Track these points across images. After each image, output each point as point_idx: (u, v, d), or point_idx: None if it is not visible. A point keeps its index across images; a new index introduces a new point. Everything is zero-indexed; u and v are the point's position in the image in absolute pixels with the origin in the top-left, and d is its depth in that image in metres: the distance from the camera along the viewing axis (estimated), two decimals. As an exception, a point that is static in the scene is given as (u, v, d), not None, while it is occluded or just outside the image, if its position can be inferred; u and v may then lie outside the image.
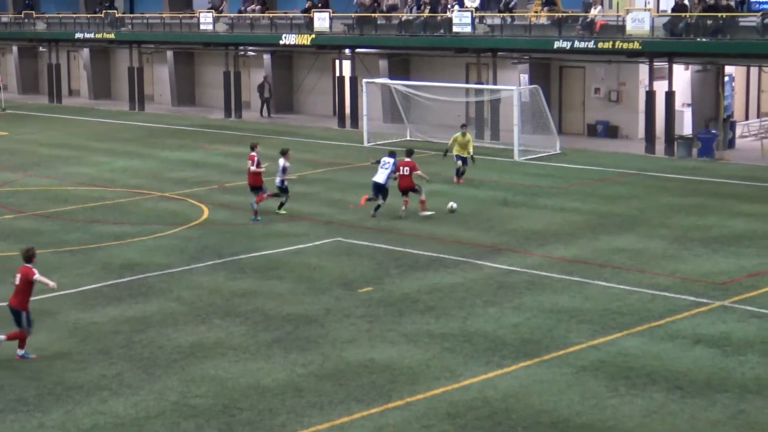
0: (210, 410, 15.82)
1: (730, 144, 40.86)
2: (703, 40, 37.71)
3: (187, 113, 55.75)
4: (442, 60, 48.02)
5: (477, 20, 43.71)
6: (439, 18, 45.33)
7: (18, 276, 18.05)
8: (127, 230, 27.85)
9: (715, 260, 23.80)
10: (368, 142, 42.34)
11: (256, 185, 28.89)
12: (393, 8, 48.18)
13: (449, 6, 45.32)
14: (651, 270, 23.13)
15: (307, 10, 50.02)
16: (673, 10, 39.73)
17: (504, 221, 28.30)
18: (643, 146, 39.80)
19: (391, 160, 28.80)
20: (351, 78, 48.74)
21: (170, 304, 21.17)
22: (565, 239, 26.08)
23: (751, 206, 29.59)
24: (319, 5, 49.62)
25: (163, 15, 57.67)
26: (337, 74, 49.98)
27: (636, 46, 38.74)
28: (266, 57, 54.54)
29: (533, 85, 41.47)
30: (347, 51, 49.20)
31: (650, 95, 39.86)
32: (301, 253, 25.24)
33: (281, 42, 49.58)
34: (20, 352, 17.96)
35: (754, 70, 45.75)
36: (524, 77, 44.66)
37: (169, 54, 58.34)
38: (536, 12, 43.54)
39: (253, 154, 29.00)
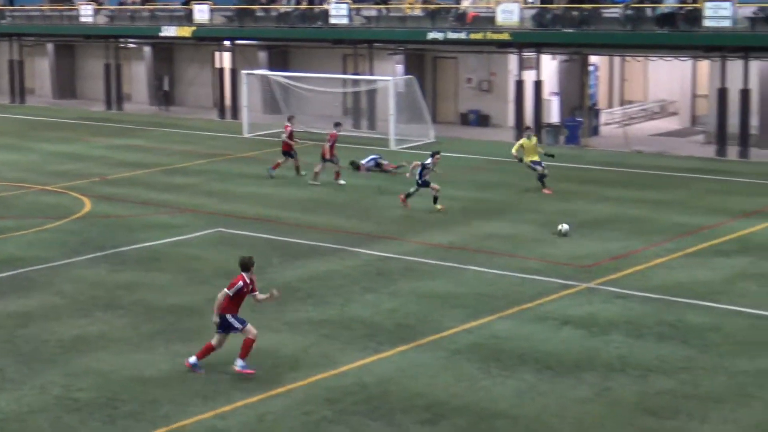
0: (93, 403, 15.54)
1: (595, 131, 41.71)
2: (569, 31, 38.39)
3: (68, 106, 54.69)
4: (320, 51, 47.94)
5: (353, 12, 43.75)
6: (316, 10, 45.22)
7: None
8: (7, 224, 27.19)
9: (582, 244, 24.27)
10: (248, 133, 42.13)
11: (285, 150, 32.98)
12: (272, 0, 47.91)
13: (326, -2, 45.31)
14: (522, 254, 23.50)
15: (186, 2, 49.44)
16: (541, 1, 40.32)
17: (381, 209, 28.44)
18: (513, 134, 40.36)
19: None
20: (231, 70, 48.35)
21: (52, 298, 20.76)
22: (440, 226, 26.31)
23: (615, 191, 30.27)
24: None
25: (43, 8, 56.44)
26: (217, 66, 49.52)
27: (506, 36, 39.25)
28: (147, 49, 53.79)
29: (408, 76, 41.72)
30: (227, 43, 48.78)
31: (519, 85, 40.43)
32: (182, 244, 25.00)
33: (161, 34, 48.92)
34: (240, 363, 16.55)
35: (617, 60, 46.73)
36: (399, 68, 44.87)
37: (50, 47, 57.27)
38: (411, 4, 43.75)
39: (288, 125, 33.20)
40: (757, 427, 14.33)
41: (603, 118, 43.62)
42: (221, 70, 49.01)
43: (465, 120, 45.03)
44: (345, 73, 46.73)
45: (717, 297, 20.11)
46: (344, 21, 43.54)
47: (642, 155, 36.77)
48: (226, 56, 49.24)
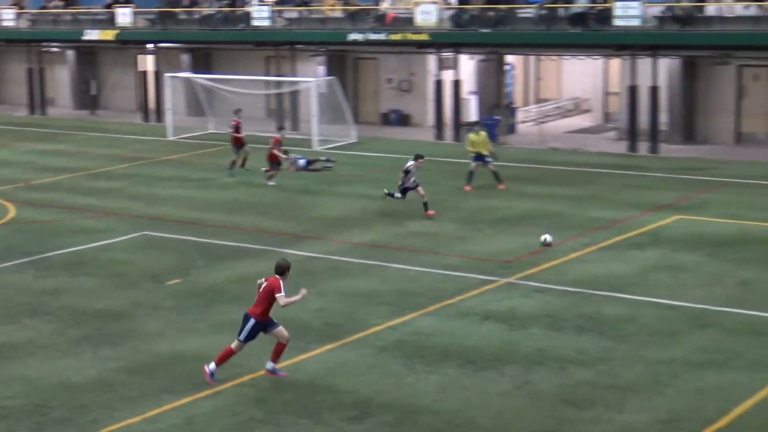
0: (21, 411, 15.30)
1: (512, 129, 42.08)
2: (486, 31, 38.69)
3: (-9, 110, 53.82)
4: (242, 53, 47.71)
5: (275, 14, 43.62)
6: (238, 12, 45.00)
7: (264, 284, 16.51)
8: None
9: (502, 240, 24.51)
10: (173, 136, 41.78)
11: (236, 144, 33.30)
12: (194, 3, 47.57)
13: (248, 0, 45.05)
14: (443, 251, 23.66)
15: (109, 6, 48.86)
16: (458, 2, 40.56)
17: (305, 209, 28.41)
18: (433, 133, 40.57)
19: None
20: (154, 73, 47.91)
21: (-22, 306, 20.39)
22: (363, 225, 26.38)
23: (532, 187, 30.59)
24: (121, 0, 48.51)
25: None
26: (141, 69, 49.05)
27: (424, 37, 39.42)
28: (70, 53, 53.04)
29: (330, 77, 41.70)
30: (150, 46, 48.29)
31: (438, 84, 40.65)
32: (108, 248, 24.70)
33: (84, 38, 48.31)
34: (270, 365, 16.35)
35: (532, 59, 47.20)
36: (321, 69, 44.83)
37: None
38: (331, 5, 43.74)
39: (236, 119, 33.32)
40: (670, 414, 14.61)
41: (519, 116, 44.02)
42: (144, 73, 48.52)
43: (386, 120, 45.15)
44: (268, 74, 46.56)
45: (631, 289, 20.45)
46: (266, 23, 43.37)
47: (557, 152, 37.20)
48: (150, 59, 48.74)
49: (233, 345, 16.22)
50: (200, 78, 43.97)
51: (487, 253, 23.34)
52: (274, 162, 31.42)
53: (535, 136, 40.20)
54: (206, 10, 46.43)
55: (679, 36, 35.29)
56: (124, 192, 31.35)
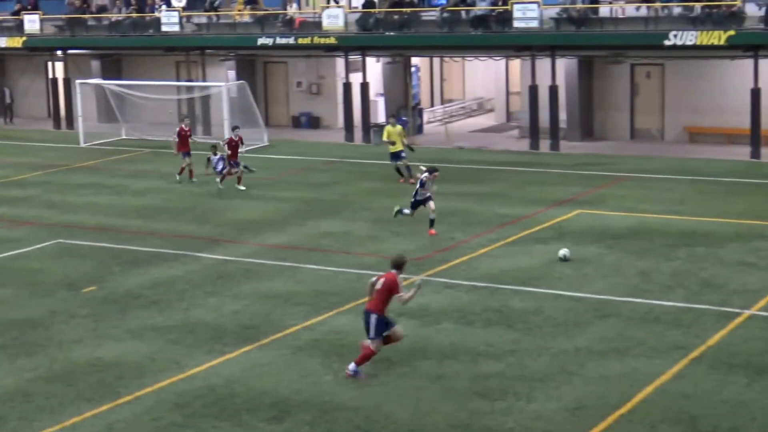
0: None
1: (419, 129, 42.28)
2: (391, 34, 38.82)
3: None
4: (153, 59, 47.08)
5: (184, 19, 43.20)
6: (147, 18, 44.44)
7: (381, 280, 16.15)
8: None
9: (412, 239, 24.59)
10: (85, 143, 41.13)
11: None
12: (102, 9, 46.86)
13: (157, 6, 44.49)
14: (356, 251, 23.70)
15: (17, 13, 47.84)
16: (364, 6, 40.60)
17: (219, 213, 28.19)
18: (343, 135, 40.58)
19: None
20: (64, 79, 47.06)
21: None
22: (277, 227, 26.28)
23: (441, 186, 30.60)
24: (29, 7, 47.54)
25: None
26: (51, 76, 48.16)
27: (332, 41, 39.39)
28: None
29: (240, 81, 41.43)
30: (59, 53, 47.44)
31: (347, 87, 40.64)
32: (23, 257, 24.21)
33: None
34: (352, 367, 15.98)
35: (436, 61, 47.49)
36: (231, 73, 44.50)
37: None
38: (239, 10, 43.45)
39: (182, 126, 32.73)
40: (577, 402, 14.84)
41: (426, 116, 44.28)
42: (54, 80, 47.65)
43: (297, 123, 45.00)
44: (178, 80, 46.10)
45: (537, 282, 20.73)
46: (175, 28, 42.95)
47: (463, 151, 37.49)
48: (59, 66, 47.88)
49: (372, 346, 16.05)
50: (111, 84, 43.39)
51: (399, 251, 23.30)
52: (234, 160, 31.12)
53: (441, 136, 40.44)
54: (115, 16, 45.77)
55: (575, 36, 35.85)
56: (38, 200, 30.75)
